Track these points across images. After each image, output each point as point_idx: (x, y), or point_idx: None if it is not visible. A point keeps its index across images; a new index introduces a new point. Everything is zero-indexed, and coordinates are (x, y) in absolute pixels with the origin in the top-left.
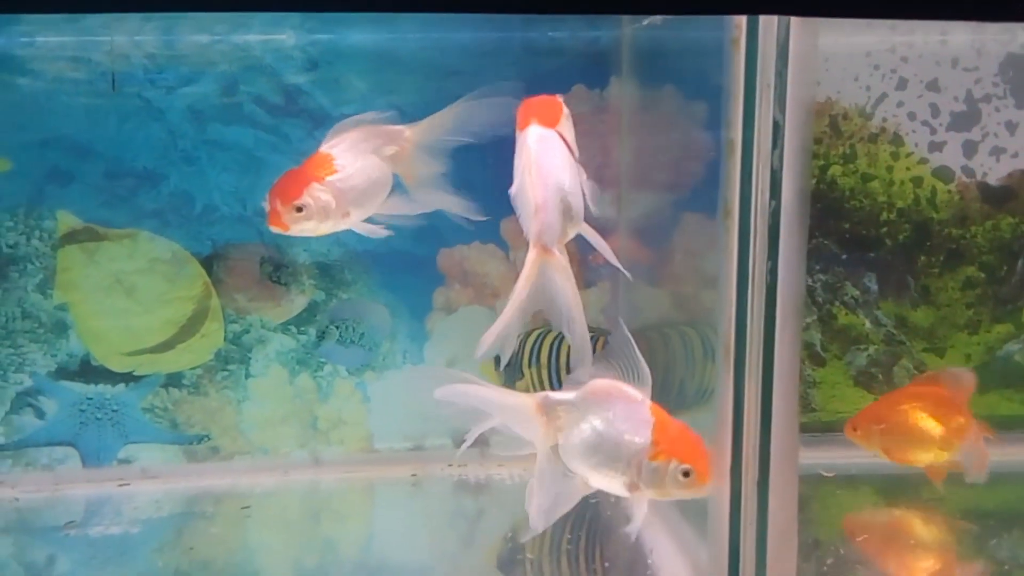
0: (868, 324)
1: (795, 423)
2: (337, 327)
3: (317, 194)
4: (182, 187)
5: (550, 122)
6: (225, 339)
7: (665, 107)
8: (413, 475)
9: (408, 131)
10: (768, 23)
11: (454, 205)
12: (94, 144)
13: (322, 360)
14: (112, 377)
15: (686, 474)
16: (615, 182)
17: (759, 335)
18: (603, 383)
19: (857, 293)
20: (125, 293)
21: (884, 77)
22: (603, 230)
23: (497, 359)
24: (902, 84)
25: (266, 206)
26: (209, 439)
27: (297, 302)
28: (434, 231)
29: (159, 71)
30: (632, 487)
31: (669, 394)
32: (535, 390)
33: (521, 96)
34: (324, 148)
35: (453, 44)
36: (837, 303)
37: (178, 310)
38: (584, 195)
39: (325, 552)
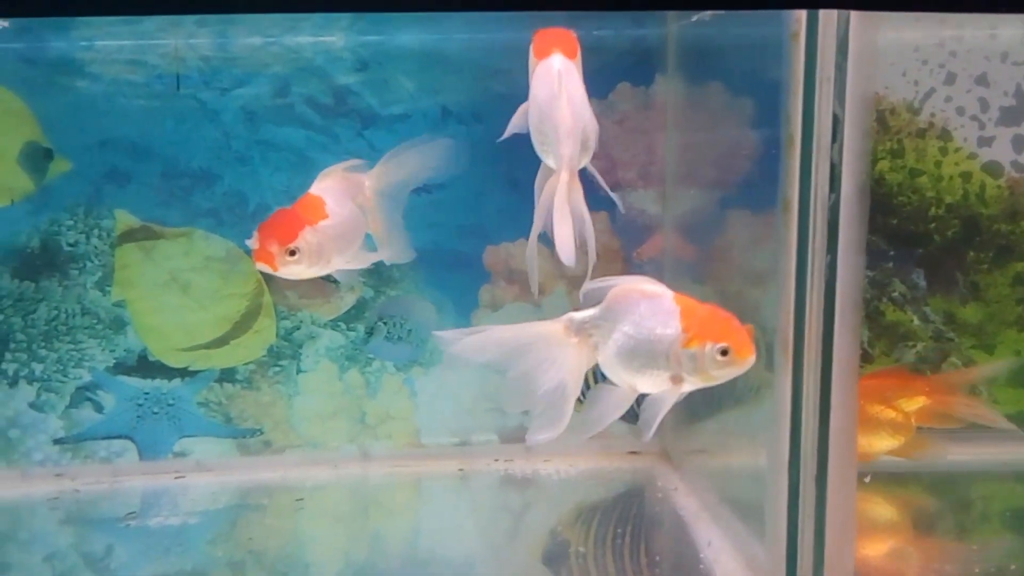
0: (916, 321)
1: (854, 418)
2: (385, 323)
3: (310, 238)
4: (236, 187)
5: (570, 54)
6: (277, 335)
7: (712, 104)
8: (460, 470)
9: (367, 180)
10: (828, 17)
11: (404, 256)
12: (151, 145)
13: (370, 356)
14: (168, 372)
15: (724, 352)
16: (660, 179)
17: (818, 330)
18: (621, 289)
19: (905, 289)
20: (181, 290)
21: (932, 72)
22: (647, 227)
23: None
24: (950, 79)
25: (252, 243)
26: (261, 433)
27: (346, 299)
28: (480, 229)
29: (214, 73)
30: (676, 379)
31: (711, 391)
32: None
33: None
34: (314, 190)
35: (499, 43)
36: (884, 299)
37: (232, 307)
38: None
39: (374, 545)
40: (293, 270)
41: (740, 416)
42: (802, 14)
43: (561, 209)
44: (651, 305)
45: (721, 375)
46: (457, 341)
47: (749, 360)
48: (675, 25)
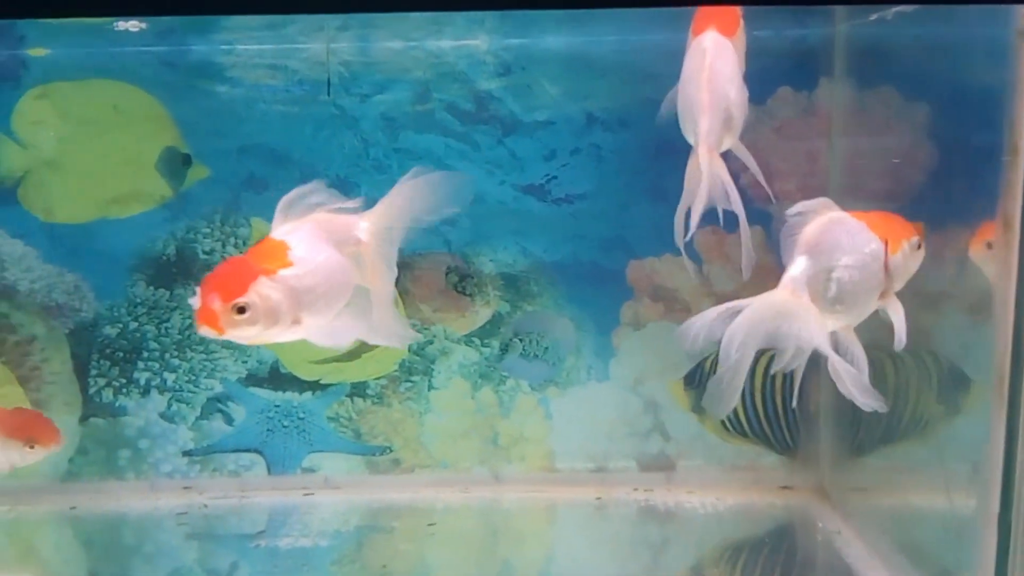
0: None
1: None
2: (521, 340)
3: (266, 291)
4: (373, 195)
5: (728, 32)
6: (409, 350)
7: (890, 109)
8: (597, 498)
9: (364, 221)
10: None
11: (402, 332)
12: (289, 152)
13: (504, 374)
14: (299, 385)
15: (918, 246)
16: (821, 191)
17: None
18: (814, 228)
19: None
20: None
21: None
22: None
23: (687, 377)
24: None
25: (195, 301)
26: (391, 451)
27: (481, 314)
28: (623, 242)
29: (354, 79)
30: (885, 295)
31: (873, 423)
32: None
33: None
34: (276, 234)
35: (649, 45)
36: None
37: None
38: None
39: (504, 574)
40: (245, 333)
41: (916, 452)
42: None
43: (696, 188)
44: (845, 230)
45: (912, 269)
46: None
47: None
48: (845, 24)
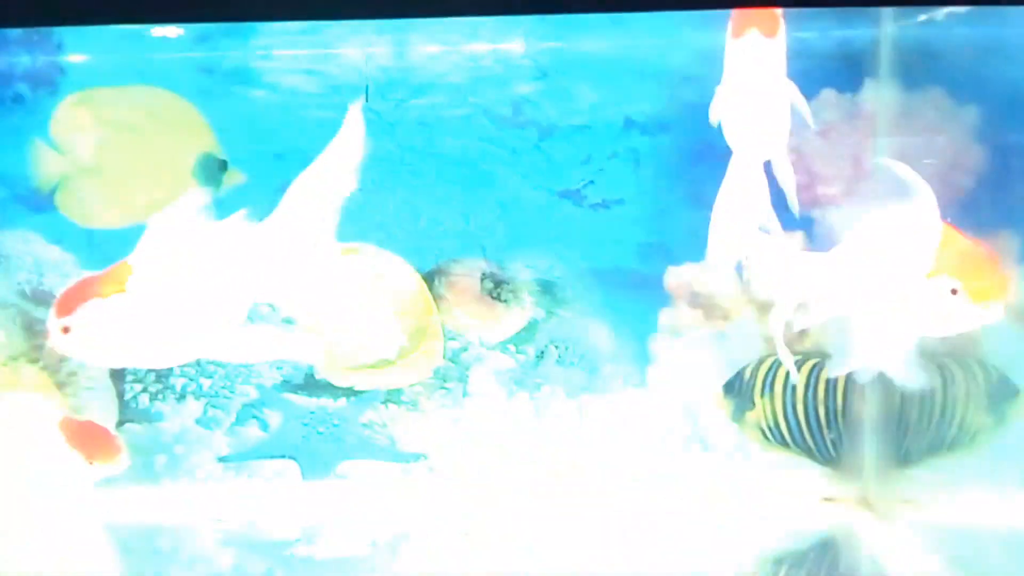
0: None
1: None
2: (556, 347)
3: (91, 317)
4: (408, 200)
5: (769, 32)
6: (444, 356)
7: (938, 112)
8: (635, 508)
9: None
10: None
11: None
12: None
13: (540, 381)
14: (334, 391)
15: (954, 291)
16: (866, 195)
17: None
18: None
19: None
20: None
21: None
22: None
23: (726, 385)
24: None
25: None
26: (426, 458)
27: (517, 320)
28: (662, 248)
29: (390, 84)
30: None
31: (920, 429)
32: (767, 421)
33: None
34: (135, 257)
35: (689, 47)
36: None
37: (399, 326)
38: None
39: None
40: (74, 352)
41: (965, 462)
42: None
43: (724, 201)
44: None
45: (955, 317)
46: None
47: (986, 307)
48: (892, 26)
